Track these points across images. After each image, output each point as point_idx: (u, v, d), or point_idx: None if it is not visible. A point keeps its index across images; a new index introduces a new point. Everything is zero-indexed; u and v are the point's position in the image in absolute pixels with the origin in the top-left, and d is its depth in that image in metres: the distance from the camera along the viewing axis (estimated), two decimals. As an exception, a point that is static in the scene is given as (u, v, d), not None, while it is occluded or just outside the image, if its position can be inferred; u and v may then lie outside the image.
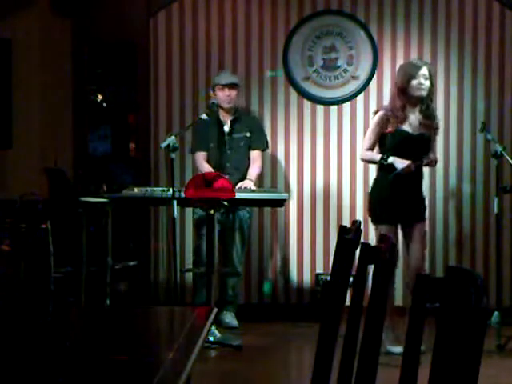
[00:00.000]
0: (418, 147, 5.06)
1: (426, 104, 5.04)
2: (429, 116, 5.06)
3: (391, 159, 4.95)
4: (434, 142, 5.24)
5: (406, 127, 5.00)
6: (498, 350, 5.04)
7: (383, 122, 5.02)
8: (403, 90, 5.01)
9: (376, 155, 5.03)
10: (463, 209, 6.20)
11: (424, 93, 5.00)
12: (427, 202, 6.09)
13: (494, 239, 5.68)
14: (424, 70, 5.02)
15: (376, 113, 5.13)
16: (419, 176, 5.11)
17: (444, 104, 6.17)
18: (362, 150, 5.15)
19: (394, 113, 4.99)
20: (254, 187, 5.58)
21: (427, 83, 5.00)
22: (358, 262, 2.18)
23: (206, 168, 5.69)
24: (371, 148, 5.08)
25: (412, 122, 5.03)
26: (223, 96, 5.71)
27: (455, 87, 6.17)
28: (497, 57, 6.16)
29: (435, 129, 5.19)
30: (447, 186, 6.19)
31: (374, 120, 5.09)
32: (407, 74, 5.01)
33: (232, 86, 5.74)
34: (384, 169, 5.03)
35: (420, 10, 6.17)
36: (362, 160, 5.28)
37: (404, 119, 5.00)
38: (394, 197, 5.00)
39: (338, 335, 2.21)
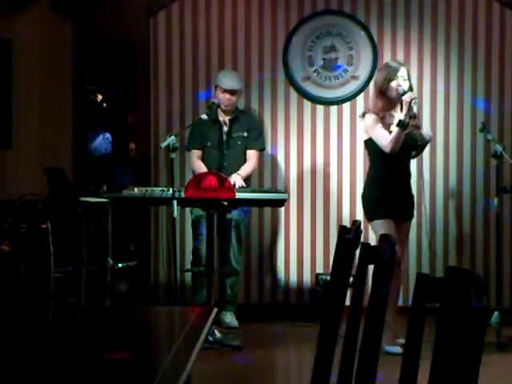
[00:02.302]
0: (407, 147, 5.07)
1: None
2: (411, 116, 5.01)
3: (401, 117, 4.91)
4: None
5: (392, 129, 5.00)
6: (497, 349, 5.04)
7: (378, 120, 5.03)
8: (383, 92, 5.03)
9: (393, 132, 4.95)
10: (463, 209, 6.21)
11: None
12: (428, 202, 6.12)
13: (493, 239, 5.68)
14: (402, 72, 5.03)
15: (364, 115, 5.11)
16: (408, 173, 5.15)
17: (444, 104, 6.17)
18: (386, 144, 4.96)
19: (379, 115, 5.02)
20: (241, 181, 5.55)
21: (406, 84, 5.02)
22: (357, 262, 2.18)
23: (199, 166, 5.73)
24: None
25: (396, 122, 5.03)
26: (223, 99, 5.71)
27: (455, 87, 6.17)
28: (497, 57, 6.16)
29: (418, 127, 5.15)
30: (447, 186, 6.20)
31: (370, 121, 5.04)
32: (386, 77, 5.02)
33: (234, 91, 5.74)
34: (375, 166, 5.10)
35: (420, 10, 6.17)
36: (393, 148, 4.95)
37: (390, 117, 5.01)
38: (387, 193, 5.03)
39: (338, 335, 2.21)
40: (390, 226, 4.94)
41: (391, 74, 5.02)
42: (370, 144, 5.11)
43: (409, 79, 5.06)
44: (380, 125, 5.01)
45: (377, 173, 5.12)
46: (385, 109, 5.03)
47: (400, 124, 4.91)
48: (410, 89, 5.05)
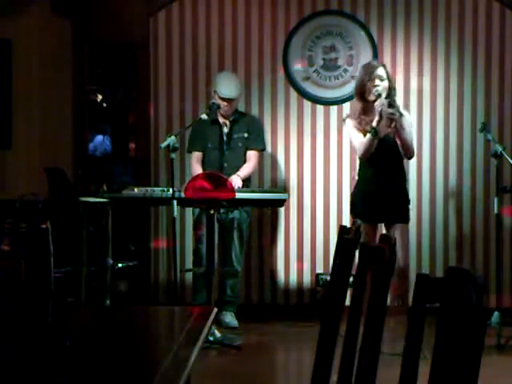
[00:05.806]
0: (388, 149, 5.04)
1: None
2: (390, 104, 4.90)
3: (374, 124, 4.91)
4: (407, 131, 5.01)
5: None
6: (497, 349, 5.04)
7: (356, 126, 5.05)
8: (361, 95, 5.02)
9: (365, 138, 4.99)
10: (463, 209, 6.20)
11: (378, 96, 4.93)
12: (428, 202, 6.12)
13: (493, 239, 5.68)
14: (380, 71, 4.99)
15: (344, 120, 5.22)
16: (397, 174, 5.12)
17: (444, 104, 6.17)
18: (357, 149, 5.11)
19: (356, 118, 5.02)
20: (240, 182, 5.55)
21: (384, 84, 4.96)
22: (357, 262, 2.18)
23: (196, 170, 5.70)
24: None
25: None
26: (222, 105, 5.66)
27: (455, 87, 6.17)
28: (497, 57, 6.16)
29: (398, 117, 4.92)
30: (447, 186, 6.19)
31: (348, 126, 5.12)
32: (362, 77, 5.01)
33: (231, 99, 5.68)
34: (361, 167, 5.14)
35: (420, 10, 6.17)
36: (364, 154, 5.03)
37: (367, 123, 4.98)
38: (367, 195, 5.04)
39: (338, 335, 2.21)
40: (372, 231, 5.00)
41: (367, 75, 4.98)
42: None
43: (389, 79, 5.00)
44: (355, 130, 5.04)
45: (362, 174, 5.16)
46: (363, 112, 5.02)
47: (372, 131, 4.91)
48: (390, 88, 4.97)
